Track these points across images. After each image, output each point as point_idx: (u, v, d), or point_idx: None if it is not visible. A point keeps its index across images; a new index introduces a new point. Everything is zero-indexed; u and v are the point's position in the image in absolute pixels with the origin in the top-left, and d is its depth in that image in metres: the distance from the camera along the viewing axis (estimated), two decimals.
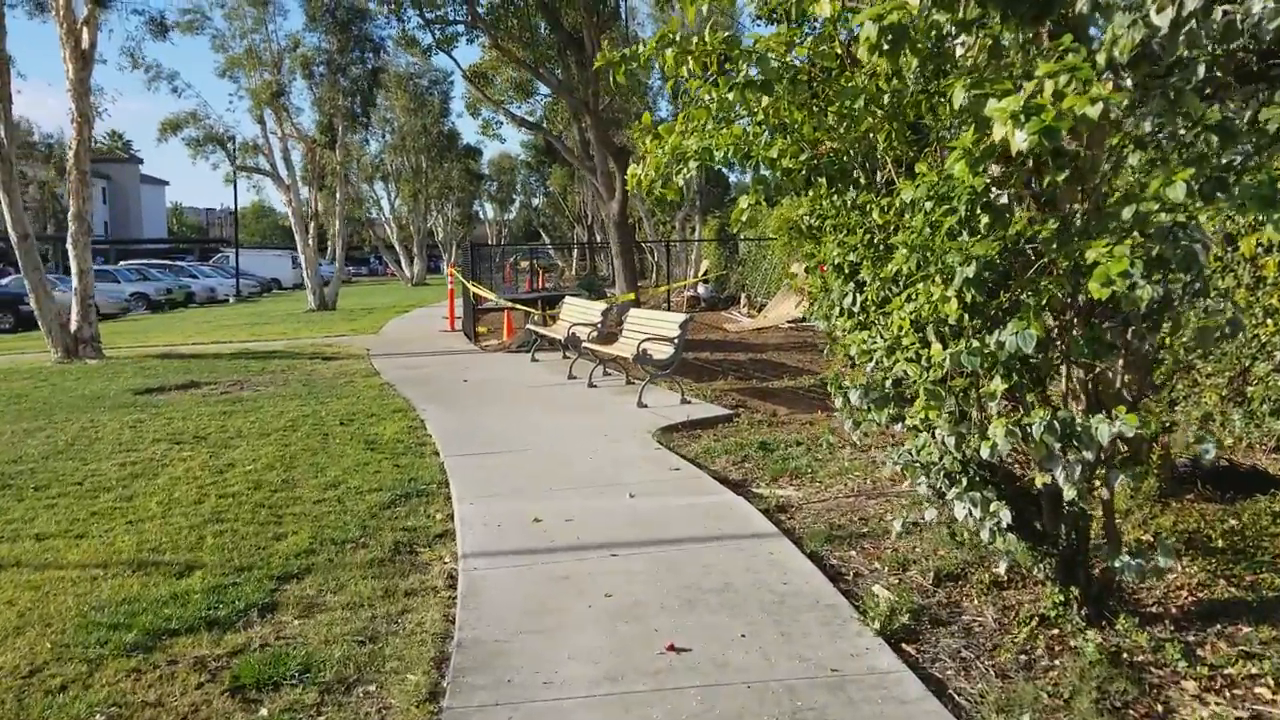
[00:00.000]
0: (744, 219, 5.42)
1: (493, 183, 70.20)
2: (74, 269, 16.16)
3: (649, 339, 10.69)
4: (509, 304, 17.16)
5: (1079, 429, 3.58)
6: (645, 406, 10.34)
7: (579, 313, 13.96)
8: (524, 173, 66.30)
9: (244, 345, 18.71)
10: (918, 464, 4.36)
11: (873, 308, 4.62)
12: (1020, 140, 3.16)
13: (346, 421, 10.06)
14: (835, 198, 4.82)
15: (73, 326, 16.15)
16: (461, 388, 12.47)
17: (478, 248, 27.80)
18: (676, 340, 10.46)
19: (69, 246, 16.17)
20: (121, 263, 49.98)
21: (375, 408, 10.91)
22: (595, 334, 12.53)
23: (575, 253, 59.61)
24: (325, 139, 29.72)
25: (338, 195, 31.82)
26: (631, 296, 16.53)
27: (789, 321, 20.95)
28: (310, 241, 30.48)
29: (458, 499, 6.86)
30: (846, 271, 4.76)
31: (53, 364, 15.59)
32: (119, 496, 7.17)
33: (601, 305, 13.33)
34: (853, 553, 5.48)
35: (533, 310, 16.16)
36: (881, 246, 4.45)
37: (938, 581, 4.91)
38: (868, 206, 4.58)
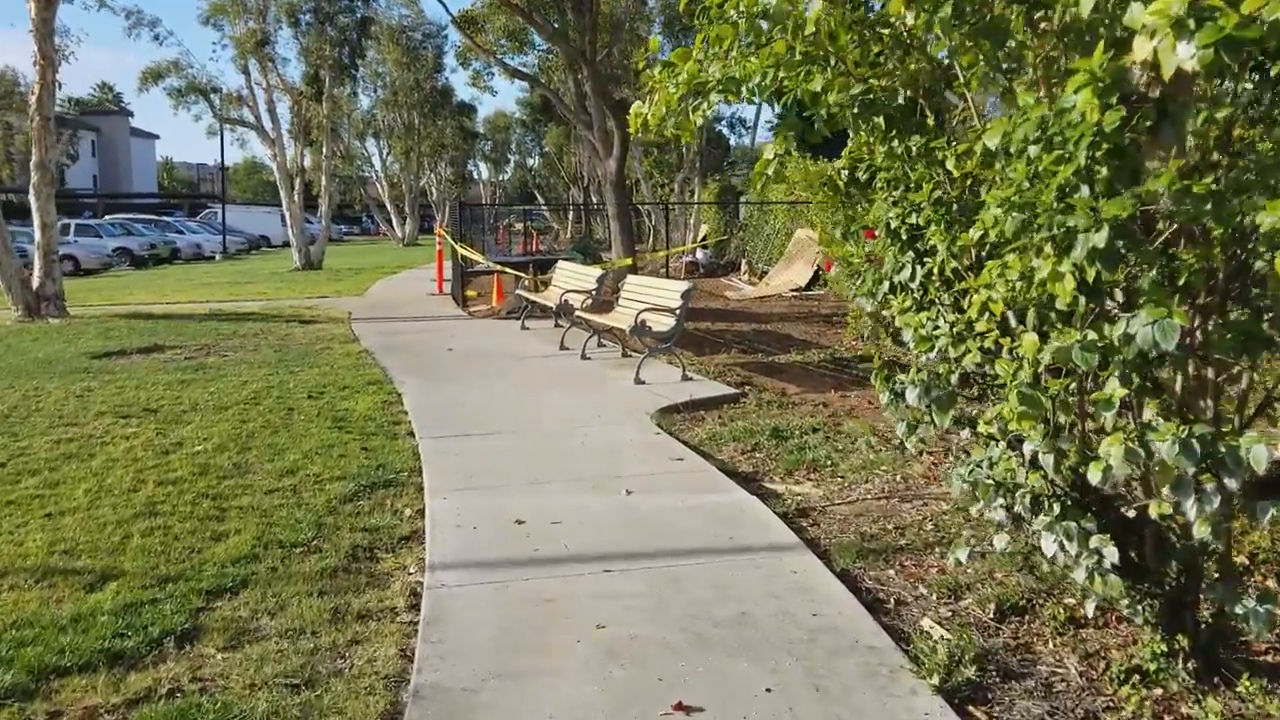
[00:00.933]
0: (769, 172, 4.53)
1: (487, 142, 68.86)
2: (36, 221, 15.21)
3: (648, 309, 9.79)
4: (498, 268, 16.22)
5: (1225, 450, 2.71)
6: (643, 383, 9.47)
7: (572, 278, 13.04)
8: (519, 132, 64.98)
9: (220, 306, 17.77)
10: (991, 483, 3.48)
11: (936, 284, 3.73)
12: (1185, 56, 2.26)
13: (316, 395, 9.17)
14: (895, 143, 3.91)
15: (35, 283, 15.20)
16: (445, 358, 11.58)
17: (468, 207, 26.79)
18: (678, 311, 9.57)
19: (31, 197, 15.19)
20: (106, 217, 48.83)
21: (349, 379, 10.02)
22: (589, 302, 11.62)
23: (570, 215, 58.49)
24: (311, 91, 28.58)
25: (325, 150, 30.71)
26: (629, 262, 15.61)
27: (793, 290, 20.06)
28: (296, 198, 29.44)
29: (430, 491, 5.99)
30: (904, 237, 3.87)
31: (12, 323, 14.66)
32: (44, 482, 6.29)
33: (596, 271, 12.42)
34: (891, 572, 4.63)
35: (523, 275, 15.24)
36: (955, 206, 3.55)
37: (1000, 615, 4.06)
38: (938, 154, 3.67)
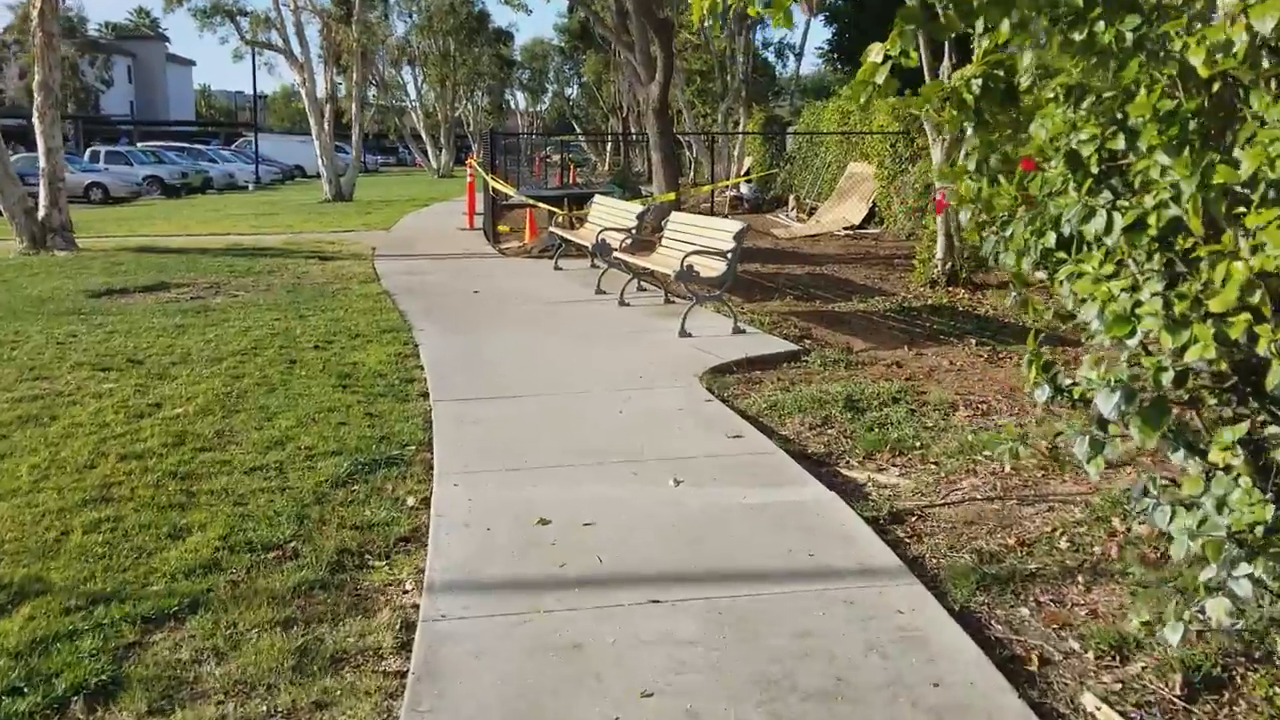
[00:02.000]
0: (876, 81, 3.40)
1: (524, 70, 67.20)
2: (40, 147, 14.25)
3: (695, 252, 8.67)
4: (530, 201, 15.10)
5: None
6: (689, 335, 8.39)
7: (610, 215, 11.91)
8: (557, 60, 63.26)
9: (239, 239, 16.83)
10: (1226, 534, 2.38)
11: (1146, 240, 2.59)
12: None
13: (324, 344, 8.19)
14: (1088, 31, 2.73)
15: (40, 213, 14.29)
16: (470, 301, 10.55)
17: (502, 137, 25.59)
18: (730, 255, 8.44)
19: (35, 120, 14.21)
20: (140, 144, 48.08)
21: (364, 325, 9.02)
22: (629, 242, 10.50)
23: (609, 146, 56.93)
24: (340, 13, 27.30)
25: (355, 76, 29.51)
26: (671, 197, 14.43)
27: (846, 228, 18.80)
28: (326, 127, 28.36)
29: (440, 474, 4.99)
30: (1095, 171, 2.72)
31: (15, 256, 13.80)
32: None
33: (636, 207, 11.29)
34: (1024, 611, 3.57)
35: (557, 211, 14.12)
36: (1196, 123, 2.39)
37: (1189, 690, 3.00)
38: (1172, 43, 2.49)
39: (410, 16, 51.37)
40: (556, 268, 12.85)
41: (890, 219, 18.11)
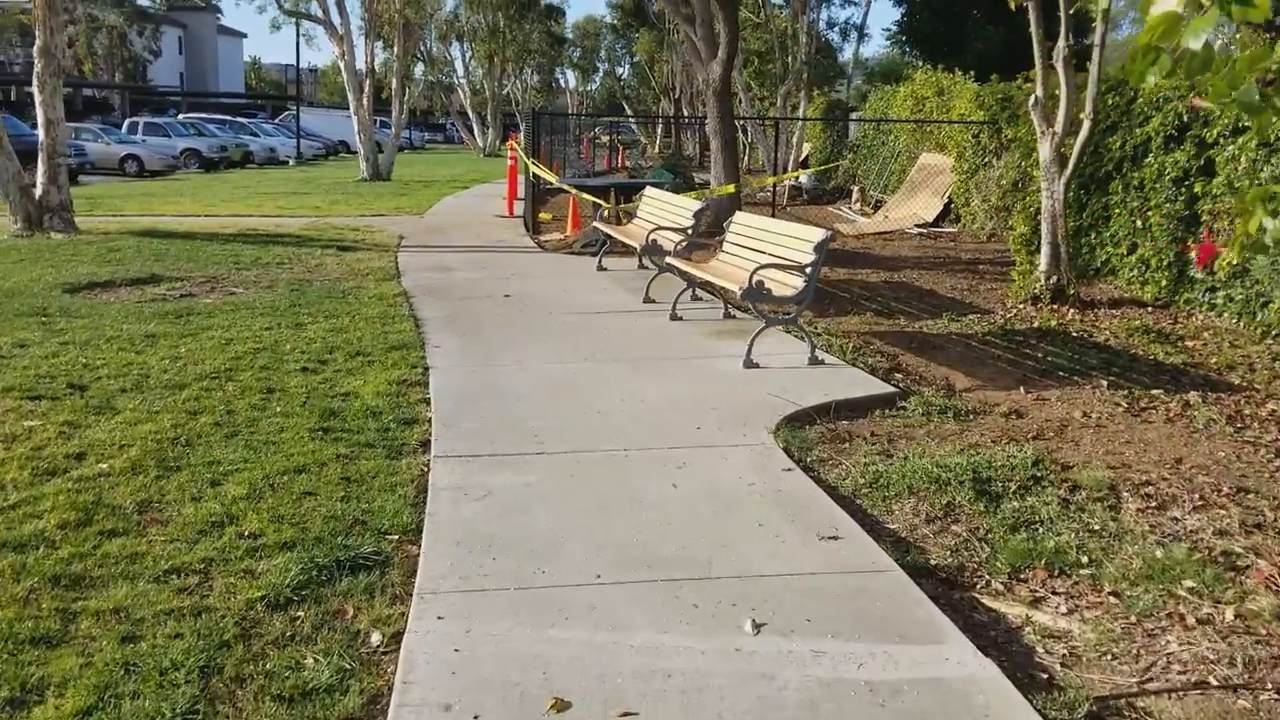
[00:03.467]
0: (1192, 45, 1.87)
1: (576, 48, 65.59)
2: (40, 118, 12.98)
3: (769, 264, 7.16)
4: (573, 190, 13.61)
5: None
6: (756, 366, 6.90)
7: (662, 211, 10.41)
8: (609, 38, 61.59)
9: (259, 222, 15.53)
10: None
11: None
12: None
13: (315, 365, 6.79)
14: None
15: (37, 191, 13.06)
16: (500, 308, 9.12)
17: (547, 117, 24.12)
18: (809, 270, 6.91)
19: (34, 89, 12.95)
20: (180, 116, 47.27)
21: (369, 339, 7.63)
22: (684, 244, 9.00)
23: (659, 128, 55.27)
24: None
25: (396, 49, 28.16)
26: (731, 189, 12.89)
27: (918, 225, 17.14)
28: (365, 102, 27.05)
29: (422, 592, 3.56)
30: None
31: (7, 238, 12.56)
32: None
33: (692, 203, 9.77)
34: None
35: (603, 203, 12.62)
36: None
37: None
38: None
39: None
40: (600, 268, 11.38)
41: (969, 217, 16.44)
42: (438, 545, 3.97)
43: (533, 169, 14.79)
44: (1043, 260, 9.93)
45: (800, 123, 27.54)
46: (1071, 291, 9.77)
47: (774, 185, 15.79)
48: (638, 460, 5.02)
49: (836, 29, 30.64)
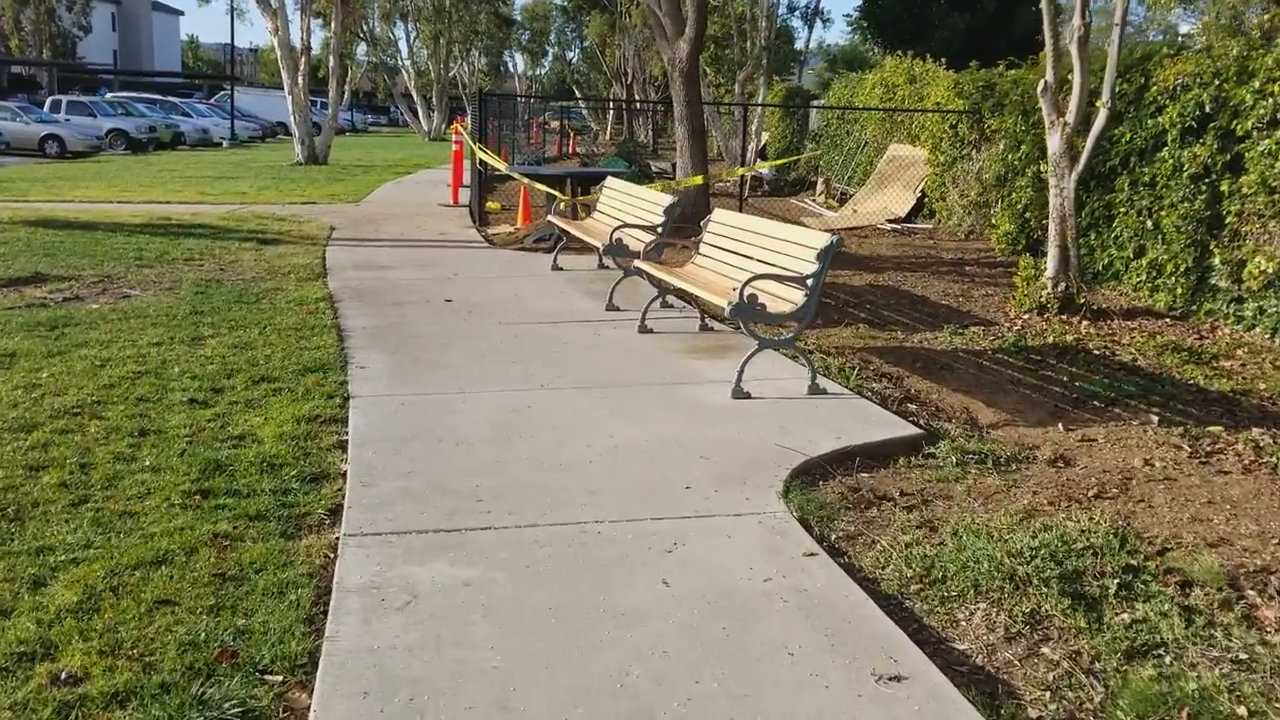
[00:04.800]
0: None
1: (525, 31, 63.93)
2: None
3: (763, 275, 6.00)
4: (524, 179, 12.33)
5: None
6: (747, 396, 5.75)
7: (626, 205, 9.22)
8: (559, 21, 60.03)
9: (175, 210, 14.05)
10: None
11: None
12: None
13: (208, 396, 5.51)
14: None
15: None
16: (440, 315, 7.88)
17: (495, 99, 22.76)
18: (811, 282, 5.76)
19: None
20: (108, 95, 44.98)
21: (280, 357, 6.35)
22: (654, 247, 7.81)
23: (611, 114, 53.91)
24: None
25: (333, 25, 26.55)
26: (699, 180, 11.72)
27: (890, 221, 16.10)
28: (300, 81, 25.45)
29: None
30: None
31: None
32: None
33: (663, 198, 8.58)
34: None
35: (558, 194, 11.36)
36: None
37: None
38: None
39: None
40: (556, 267, 10.16)
41: (944, 213, 15.44)
42: (336, 696, 2.76)
43: (480, 155, 13.49)
44: (1049, 265, 8.90)
45: (759, 111, 26.46)
46: (1082, 301, 8.75)
47: (742, 177, 14.60)
48: (614, 539, 3.83)
49: (797, 13, 29.48)
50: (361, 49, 57.20)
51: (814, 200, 20.06)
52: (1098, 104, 8.53)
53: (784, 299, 5.90)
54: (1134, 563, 3.75)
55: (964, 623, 3.35)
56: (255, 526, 3.86)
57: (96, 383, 5.59)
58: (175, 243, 10.74)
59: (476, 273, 9.91)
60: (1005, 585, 3.51)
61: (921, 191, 16.46)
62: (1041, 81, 8.74)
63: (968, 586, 3.53)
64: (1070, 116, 8.59)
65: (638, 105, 44.50)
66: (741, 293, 5.68)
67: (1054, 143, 8.74)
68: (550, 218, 10.32)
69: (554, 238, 10.88)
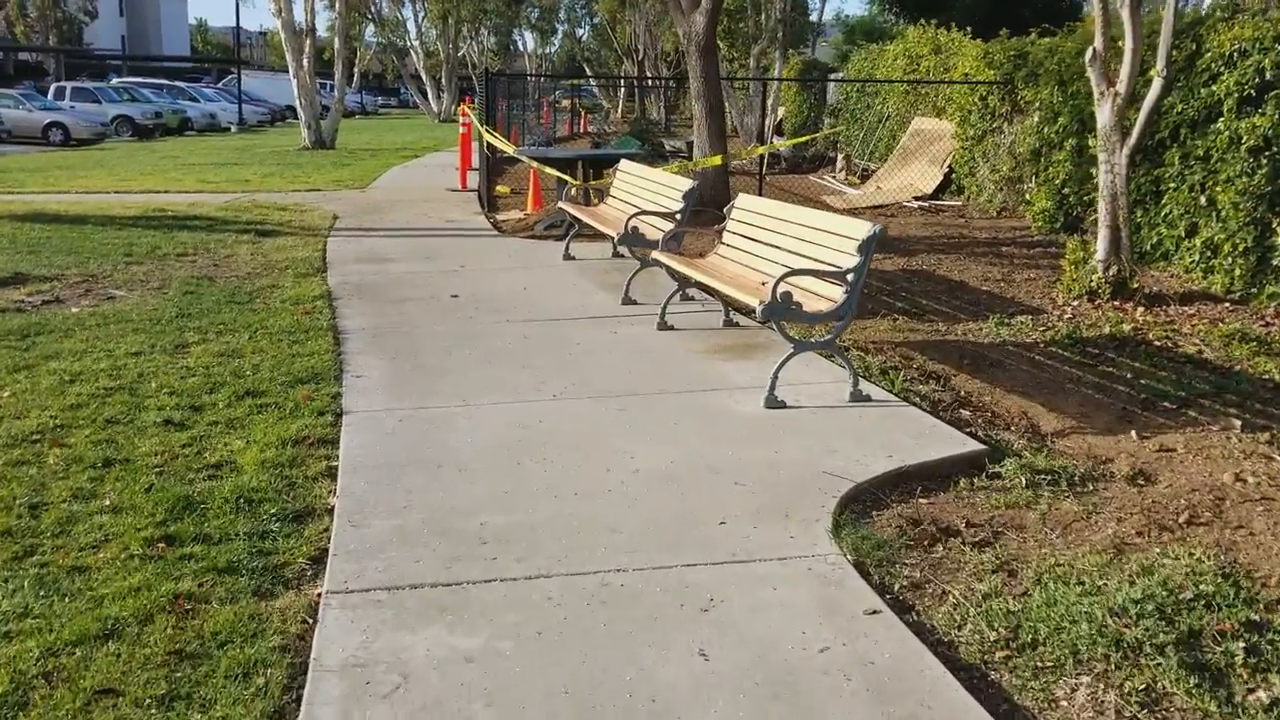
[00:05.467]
0: None
1: (534, 9, 62.99)
2: None
3: (798, 271, 5.41)
4: (533, 163, 11.73)
5: None
6: (782, 405, 5.18)
7: (642, 190, 8.63)
8: None
9: (173, 200, 13.52)
10: None
11: None
12: None
13: (186, 415, 4.97)
14: None
15: None
16: (445, 313, 7.32)
17: (505, 80, 22.15)
18: (852, 276, 5.17)
19: None
20: (115, 80, 44.50)
21: (270, 365, 5.81)
22: (673, 236, 7.22)
23: (622, 92, 53.07)
24: None
25: (338, 4, 25.91)
26: (717, 161, 11.10)
27: (916, 198, 15.43)
28: (306, 63, 24.84)
29: None
30: None
31: None
32: None
33: (681, 182, 7.99)
34: None
35: (569, 179, 10.75)
36: None
37: None
38: None
39: None
40: (568, 255, 9.57)
41: (974, 189, 14.76)
42: None
43: (488, 138, 12.89)
44: (1099, 247, 8.26)
45: (775, 85, 25.71)
46: (1135, 285, 8.12)
47: (763, 156, 13.95)
48: (641, 595, 3.28)
49: None
50: (370, 30, 56.56)
51: (834, 177, 19.38)
52: (1151, 72, 7.87)
53: (821, 296, 5.31)
54: (1255, 617, 3.17)
55: (1065, 702, 2.78)
56: (224, 583, 3.32)
57: (63, 402, 5.06)
58: (169, 236, 10.21)
59: (484, 264, 9.34)
60: (1111, 653, 2.94)
61: (949, 167, 15.77)
62: (1090, 49, 8.08)
63: (1065, 654, 2.96)
64: (1121, 86, 7.94)
65: (649, 82, 43.68)
66: (774, 291, 5.09)
67: (1104, 115, 8.09)
68: (561, 204, 9.73)
69: (566, 224, 10.30)
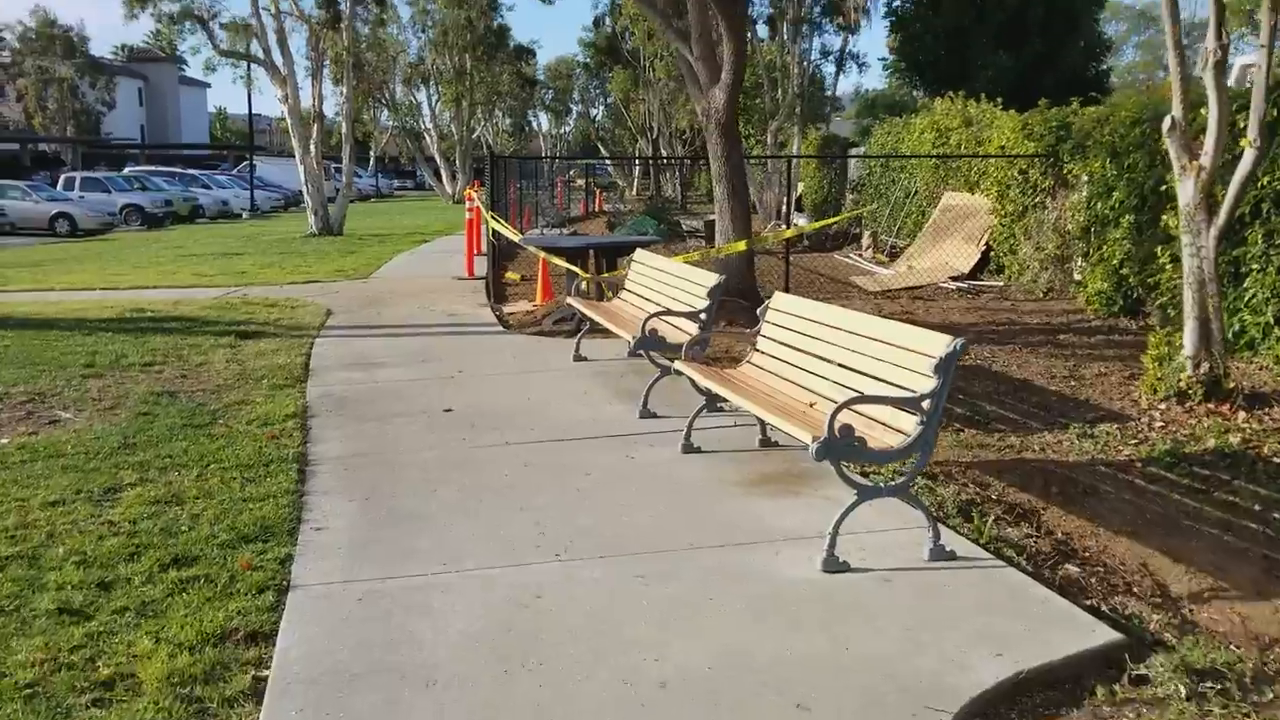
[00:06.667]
0: None
1: (548, 90, 63.22)
2: None
3: (862, 399, 4.37)
4: (540, 252, 10.78)
5: None
6: (845, 569, 4.09)
7: (660, 284, 7.65)
8: (582, 78, 59.22)
9: (160, 296, 12.65)
10: None
11: None
12: None
13: (88, 599, 3.93)
14: None
15: None
16: (435, 433, 6.29)
17: (515, 161, 21.49)
18: (929, 403, 4.10)
19: None
20: (128, 169, 44.44)
21: (214, 515, 4.78)
22: (699, 342, 6.20)
23: (637, 169, 52.77)
24: (327, 16, 23.26)
25: (345, 90, 25.47)
26: (742, 246, 10.13)
27: (952, 278, 14.42)
28: (313, 149, 24.31)
29: None
30: None
31: None
32: None
33: (705, 277, 6.99)
34: None
35: (580, 272, 9.74)
36: None
37: None
38: None
39: (424, 32, 47.48)
40: (578, 355, 8.57)
41: (1015, 267, 13.75)
42: None
43: (493, 224, 12.00)
44: (1186, 341, 7.18)
45: (794, 161, 24.99)
46: (1232, 385, 7.03)
47: (786, 246, 12.99)
48: None
49: (830, 58, 28.09)
50: (384, 115, 56.63)
51: (861, 255, 18.45)
52: (1242, 143, 6.89)
53: (889, 427, 4.24)
54: None
55: None
56: None
57: None
58: (140, 342, 9.27)
59: (485, 367, 8.34)
60: None
61: (986, 244, 14.80)
62: (1168, 118, 7.10)
63: None
64: (1206, 160, 6.94)
65: (663, 160, 43.25)
66: (832, 424, 4.03)
67: (1187, 192, 7.07)
68: (570, 300, 8.75)
69: (577, 318, 9.31)
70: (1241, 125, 7.53)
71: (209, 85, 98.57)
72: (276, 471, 5.48)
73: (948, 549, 4.23)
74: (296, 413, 6.78)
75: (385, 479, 5.40)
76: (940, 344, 4.14)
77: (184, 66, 78.70)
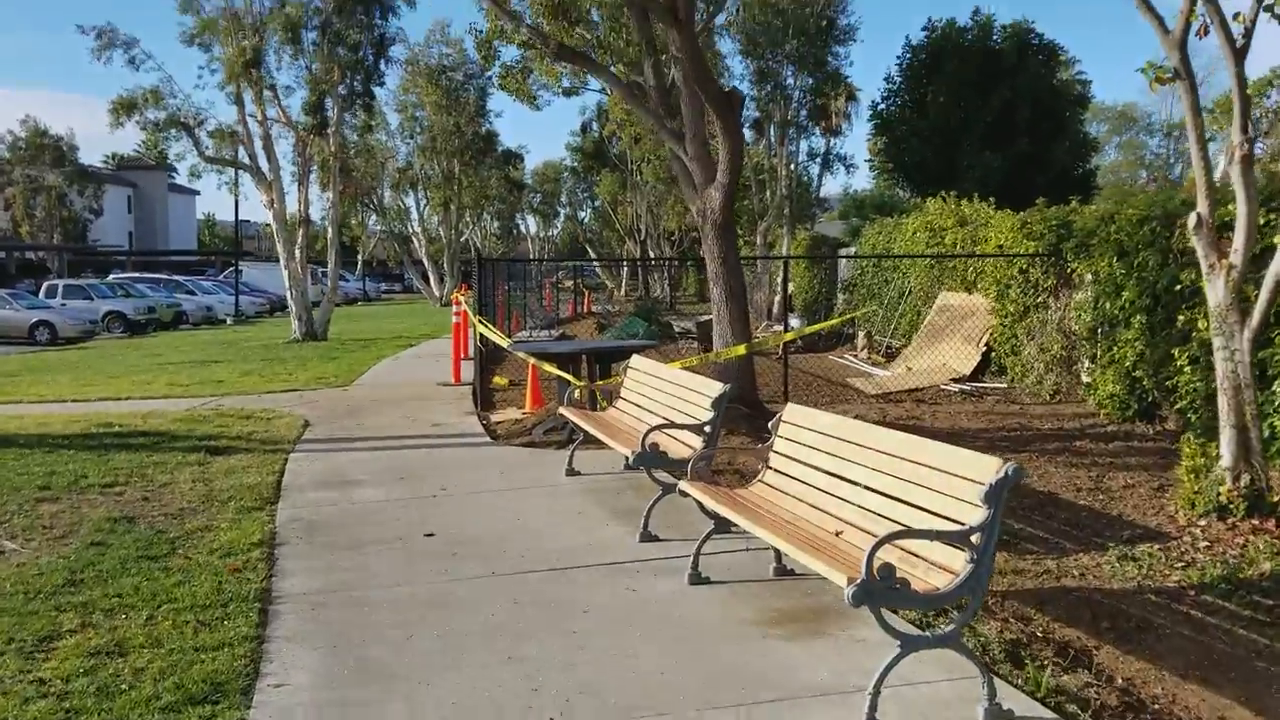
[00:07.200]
0: None
1: (536, 194, 63.75)
2: None
3: (899, 534, 3.84)
4: (530, 358, 10.30)
5: None
6: None
7: (658, 393, 7.15)
8: (570, 182, 59.73)
9: (130, 408, 12.07)
10: None
11: None
12: None
13: None
14: None
15: None
16: (412, 566, 5.70)
17: (504, 264, 21.22)
18: (979, 537, 3.57)
19: None
20: (112, 275, 44.22)
21: (156, 673, 4.17)
22: (704, 458, 5.67)
23: (625, 270, 52.85)
24: (314, 122, 23.20)
25: (330, 195, 25.31)
26: (742, 350, 9.67)
27: (953, 380, 13.99)
28: (296, 255, 24.02)
29: None
30: None
31: None
32: None
33: (708, 386, 6.49)
34: None
35: (572, 380, 9.24)
36: None
37: None
38: None
39: (412, 138, 47.90)
40: (571, 470, 8.01)
41: (1018, 369, 13.33)
42: None
43: (481, 329, 11.56)
44: (1224, 451, 6.68)
45: (785, 261, 24.82)
46: (1277, 499, 6.51)
47: (783, 349, 12.58)
48: None
49: (817, 160, 28.21)
50: (372, 219, 56.88)
51: (857, 356, 18.08)
52: (1276, 239, 6.52)
53: (934, 564, 3.70)
54: None
55: None
56: None
57: None
58: (102, 460, 8.68)
59: (471, 485, 7.78)
60: None
61: (987, 345, 14.42)
62: (1193, 215, 6.73)
63: None
64: (1237, 258, 6.55)
65: (652, 262, 43.29)
66: (870, 563, 3.49)
67: (1217, 292, 6.66)
68: (563, 410, 8.23)
69: (569, 428, 8.79)
70: (1265, 221, 7.19)
71: (198, 193, 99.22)
72: (235, 614, 4.87)
73: (1005, 707, 3.64)
74: (263, 540, 6.19)
75: (355, 622, 4.80)
76: (989, 469, 3.63)
77: (173, 174, 79.30)
